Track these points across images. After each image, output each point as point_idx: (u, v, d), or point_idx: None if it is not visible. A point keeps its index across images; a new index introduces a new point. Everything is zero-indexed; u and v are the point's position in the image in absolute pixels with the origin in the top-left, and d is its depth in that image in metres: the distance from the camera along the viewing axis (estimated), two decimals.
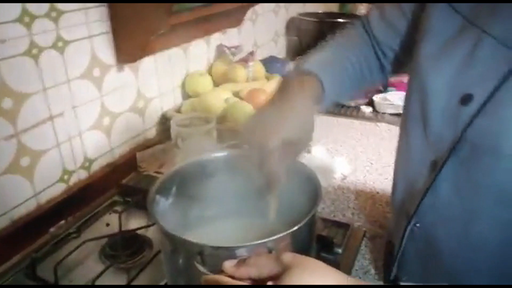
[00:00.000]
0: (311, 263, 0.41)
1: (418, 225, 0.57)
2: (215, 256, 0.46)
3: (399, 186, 0.63)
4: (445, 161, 0.50)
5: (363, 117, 1.29)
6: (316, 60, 0.62)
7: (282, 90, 0.58)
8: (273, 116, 0.54)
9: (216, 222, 0.66)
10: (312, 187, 0.58)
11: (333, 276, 0.40)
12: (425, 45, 0.55)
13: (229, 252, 0.46)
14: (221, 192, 0.66)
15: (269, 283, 0.40)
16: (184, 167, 0.64)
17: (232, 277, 0.43)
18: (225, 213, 0.67)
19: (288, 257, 0.41)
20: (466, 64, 0.49)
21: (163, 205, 0.59)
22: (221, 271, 0.44)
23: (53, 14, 0.80)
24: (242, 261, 0.43)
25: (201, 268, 0.46)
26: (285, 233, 0.47)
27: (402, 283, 0.40)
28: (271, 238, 0.46)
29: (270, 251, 0.46)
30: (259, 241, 0.46)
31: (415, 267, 0.60)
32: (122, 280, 0.70)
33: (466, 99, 0.48)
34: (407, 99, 0.60)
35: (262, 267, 0.42)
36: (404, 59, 0.66)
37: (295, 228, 0.48)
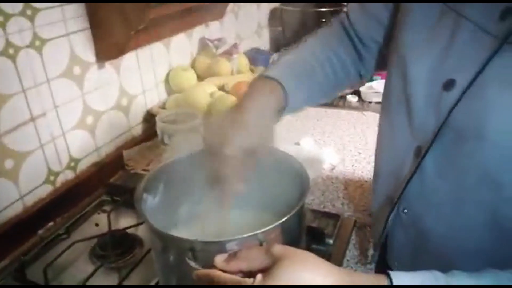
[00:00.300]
0: (301, 254, 0.42)
1: (405, 211, 0.57)
2: (206, 251, 0.46)
3: (382, 171, 0.64)
4: (429, 147, 0.51)
5: (350, 107, 1.29)
6: (282, 67, 0.62)
7: (247, 96, 0.57)
8: (233, 122, 0.54)
9: (205, 217, 0.66)
10: (300, 178, 0.58)
11: (323, 267, 0.41)
12: (406, 33, 0.55)
13: (219, 246, 0.46)
14: (208, 187, 0.66)
15: (259, 275, 0.40)
16: (170, 164, 0.63)
17: (224, 271, 0.43)
18: (213, 208, 0.67)
19: (278, 248, 0.41)
20: (447, 50, 0.49)
21: (151, 203, 0.58)
22: (212, 266, 0.44)
23: (28, 12, 0.78)
24: (233, 255, 0.44)
25: (192, 264, 0.46)
26: (274, 225, 0.47)
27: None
28: (260, 230, 0.46)
29: (261, 244, 0.46)
30: (249, 234, 0.46)
31: (405, 253, 0.60)
32: (113, 280, 0.70)
33: (448, 85, 0.49)
34: (388, 86, 0.60)
35: (252, 260, 0.42)
36: (387, 50, 0.65)
37: (284, 219, 0.48)
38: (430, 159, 0.52)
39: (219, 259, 0.44)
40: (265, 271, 0.41)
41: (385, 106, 0.62)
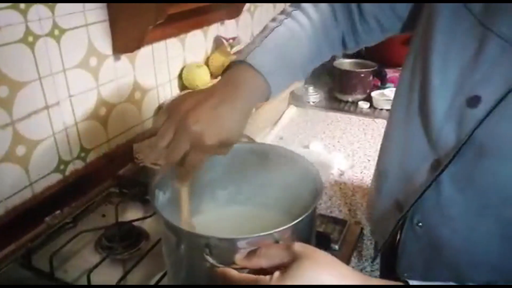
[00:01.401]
0: (321, 254, 0.42)
1: (420, 224, 0.56)
2: (221, 248, 0.46)
3: (390, 177, 0.62)
4: (450, 161, 0.50)
5: (361, 113, 1.29)
6: (267, 56, 0.55)
7: (226, 82, 0.53)
8: (214, 111, 0.49)
9: (212, 213, 0.66)
10: (313, 181, 0.58)
11: (342, 269, 0.41)
12: (433, 42, 0.53)
13: (236, 243, 0.46)
14: (217, 183, 0.66)
15: (276, 272, 0.40)
16: None
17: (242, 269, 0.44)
18: (222, 204, 0.67)
19: (299, 246, 0.41)
20: (473, 64, 0.48)
21: (162, 198, 0.58)
22: (231, 263, 0.44)
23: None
24: (253, 253, 0.44)
25: (210, 260, 0.46)
26: (290, 224, 0.47)
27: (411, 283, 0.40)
28: (277, 230, 0.46)
29: (276, 242, 0.46)
30: (266, 232, 0.46)
31: (416, 263, 0.60)
32: (118, 272, 0.70)
33: (473, 101, 0.48)
34: (401, 93, 0.59)
35: (272, 257, 0.42)
36: (387, 34, 0.63)
37: (299, 219, 0.48)
38: (448, 173, 0.51)
39: (240, 257, 0.44)
40: (284, 267, 0.41)
41: (398, 110, 0.60)
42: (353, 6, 0.61)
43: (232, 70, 0.55)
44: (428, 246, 0.57)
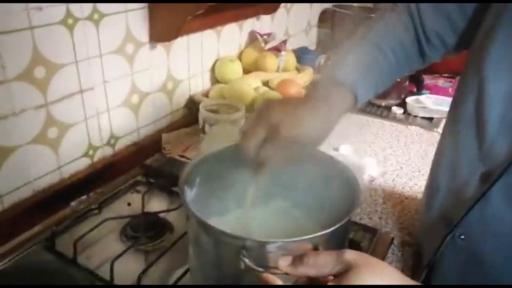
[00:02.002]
0: (377, 263, 0.39)
1: (462, 237, 0.54)
2: (258, 250, 0.44)
3: (441, 191, 0.60)
4: (501, 174, 0.47)
5: (394, 119, 1.24)
6: (350, 66, 0.59)
7: (314, 93, 0.57)
8: (298, 109, 0.53)
9: (243, 214, 0.64)
10: (349, 187, 0.55)
11: (400, 279, 0.38)
12: (490, 47, 0.51)
13: (274, 247, 0.44)
14: (243, 184, 0.65)
15: (330, 282, 0.38)
16: (208, 156, 0.62)
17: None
18: (253, 205, 0.65)
19: (352, 254, 0.39)
20: None
21: (189, 195, 0.57)
22: (271, 268, 0.42)
23: None
24: (298, 260, 0.41)
25: (248, 262, 0.44)
26: (331, 229, 0.45)
27: None
28: (317, 234, 0.44)
29: (315, 248, 0.44)
30: (306, 237, 0.44)
31: (452, 277, 0.58)
32: (141, 263, 0.69)
33: None
34: (458, 101, 0.57)
35: (322, 266, 0.39)
36: (450, 48, 0.63)
37: (338, 225, 0.46)
38: (498, 187, 0.48)
39: (284, 263, 0.41)
40: (335, 276, 0.38)
41: (452, 122, 0.59)
42: (417, 22, 0.62)
43: (318, 83, 0.59)
44: (467, 261, 0.55)
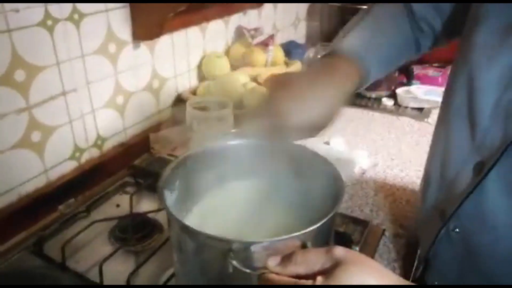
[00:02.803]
0: (365, 259, 0.39)
1: (457, 230, 0.53)
2: (245, 252, 0.43)
3: (432, 184, 0.59)
4: (494, 164, 0.46)
5: (384, 110, 1.24)
6: (358, 41, 0.57)
7: (319, 67, 0.55)
8: (305, 92, 0.51)
9: (228, 214, 0.63)
10: (333, 182, 0.54)
11: (389, 276, 0.38)
12: (478, 34, 0.50)
13: (261, 247, 0.43)
14: (234, 181, 0.64)
15: (319, 277, 0.37)
16: (186, 158, 0.60)
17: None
18: (238, 203, 0.65)
19: (341, 251, 0.38)
20: None
21: (170, 199, 0.56)
22: (260, 268, 0.42)
23: None
24: (287, 258, 0.40)
25: (237, 265, 0.43)
26: (315, 226, 0.44)
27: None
28: (304, 231, 0.43)
29: (304, 245, 0.43)
30: (294, 234, 0.43)
31: (449, 271, 0.57)
32: (130, 264, 0.68)
33: None
34: (449, 91, 0.56)
35: (311, 263, 0.39)
36: (441, 37, 0.63)
37: (323, 221, 0.45)
38: (493, 177, 0.47)
39: (273, 263, 0.41)
40: (324, 273, 0.38)
41: (444, 111, 0.58)
42: (408, 9, 0.62)
43: (325, 58, 0.57)
44: (464, 254, 0.54)
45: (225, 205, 0.62)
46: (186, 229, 0.48)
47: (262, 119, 0.51)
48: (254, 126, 0.53)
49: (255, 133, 0.54)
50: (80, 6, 0.79)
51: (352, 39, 0.57)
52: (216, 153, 0.61)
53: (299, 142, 0.57)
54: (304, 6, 1.69)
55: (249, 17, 1.33)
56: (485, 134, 0.49)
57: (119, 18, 0.88)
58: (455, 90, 0.54)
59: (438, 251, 0.57)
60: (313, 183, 0.58)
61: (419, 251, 0.66)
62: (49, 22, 0.75)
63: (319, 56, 0.60)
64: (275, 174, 0.61)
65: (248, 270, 0.43)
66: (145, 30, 0.91)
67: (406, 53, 0.64)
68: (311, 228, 0.44)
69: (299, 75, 0.55)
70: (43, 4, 0.73)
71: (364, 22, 0.60)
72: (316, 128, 0.52)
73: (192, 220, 0.60)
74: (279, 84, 0.53)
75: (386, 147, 1.04)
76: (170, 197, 0.55)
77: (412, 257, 0.70)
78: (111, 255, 0.66)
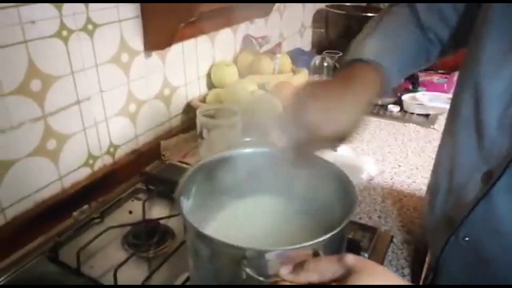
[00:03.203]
0: (377, 267, 0.40)
1: (467, 238, 0.54)
2: (258, 260, 0.44)
3: (442, 191, 0.60)
4: (502, 172, 0.47)
5: (391, 117, 1.25)
6: (376, 48, 0.58)
7: (343, 77, 0.55)
8: (334, 103, 0.51)
9: (238, 222, 0.65)
10: (344, 190, 0.56)
11: (400, 282, 0.39)
12: (485, 45, 0.51)
13: (275, 255, 0.44)
14: (243, 189, 0.65)
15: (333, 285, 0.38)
16: (203, 165, 0.62)
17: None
18: (247, 212, 0.66)
19: (352, 259, 0.39)
20: None
21: (186, 205, 0.57)
22: (272, 276, 0.42)
23: None
24: (299, 266, 0.41)
25: (250, 272, 0.44)
26: (330, 234, 0.46)
27: None
28: (317, 240, 0.45)
29: (316, 253, 0.44)
30: (306, 243, 0.44)
31: (459, 279, 0.58)
32: (143, 270, 0.70)
33: None
34: (456, 101, 0.57)
35: (323, 272, 0.40)
36: (449, 48, 0.64)
37: (337, 230, 0.46)
38: (501, 186, 0.48)
39: (285, 271, 0.41)
40: (337, 281, 0.39)
41: (450, 121, 0.59)
42: (416, 19, 0.62)
43: (346, 68, 0.57)
44: (474, 262, 0.54)
45: (240, 213, 0.63)
46: (201, 235, 0.49)
47: (291, 131, 0.52)
48: (283, 138, 0.53)
49: (281, 145, 0.55)
50: (94, 17, 0.81)
51: (371, 47, 0.58)
52: (232, 162, 0.63)
53: None
54: (309, 13, 1.71)
55: (256, 26, 1.35)
56: (492, 144, 0.50)
57: (131, 28, 0.90)
58: (462, 101, 0.55)
59: (448, 259, 0.58)
60: (326, 192, 0.59)
61: (427, 259, 0.67)
62: (64, 33, 0.77)
63: (337, 65, 0.61)
64: (288, 182, 0.62)
65: (261, 278, 0.44)
66: (156, 40, 0.93)
67: (419, 61, 0.65)
68: (323, 238, 0.45)
69: (324, 86, 0.55)
70: (59, 15, 0.75)
71: (378, 31, 0.61)
72: (343, 138, 0.53)
73: (207, 227, 0.62)
74: (305, 96, 0.53)
75: (393, 153, 1.05)
76: (187, 204, 0.57)
77: (420, 264, 0.71)
78: (125, 261, 0.68)
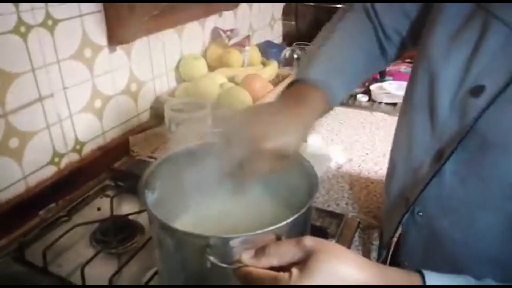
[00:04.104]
0: (334, 247, 0.41)
1: (421, 213, 0.56)
2: (222, 247, 0.45)
3: (398, 173, 0.62)
4: (452, 152, 0.50)
5: (359, 106, 1.27)
6: (322, 67, 0.60)
7: (288, 97, 0.57)
8: (276, 117, 0.53)
9: (206, 210, 0.65)
10: (308, 177, 0.57)
11: (358, 260, 0.40)
12: (435, 32, 0.53)
13: (237, 241, 0.45)
14: (210, 178, 0.65)
15: (294, 269, 0.39)
16: (166, 159, 0.62)
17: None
18: (215, 200, 0.66)
19: (311, 241, 0.40)
20: (477, 52, 0.48)
21: (151, 198, 0.57)
22: (235, 262, 0.43)
23: None
24: (261, 251, 0.42)
25: (214, 260, 0.44)
26: (290, 219, 0.46)
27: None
28: (278, 225, 0.45)
29: (279, 238, 0.45)
30: (268, 229, 0.45)
31: (416, 253, 0.60)
32: (112, 266, 0.69)
33: (477, 91, 0.47)
34: (412, 86, 0.59)
35: (283, 255, 0.41)
36: (409, 42, 0.65)
37: (297, 215, 0.47)
38: (451, 164, 0.50)
39: (247, 256, 0.42)
40: (297, 264, 0.40)
41: (406, 104, 0.61)
42: (375, 21, 0.64)
43: (290, 88, 0.59)
44: (428, 237, 0.57)
45: (206, 203, 0.63)
46: (165, 227, 0.49)
47: (234, 144, 0.52)
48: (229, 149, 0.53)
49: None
50: (54, 12, 0.79)
51: (316, 67, 0.59)
52: (197, 153, 0.63)
53: None
54: (279, 6, 1.71)
55: (224, 19, 1.34)
56: (444, 124, 0.52)
57: (93, 23, 0.88)
58: (416, 84, 0.57)
59: (406, 234, 0.60)
60: (291, 180, 0.60)
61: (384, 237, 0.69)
62: (22, 29, 0.75)
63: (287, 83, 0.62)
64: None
65: (224, 265, 0.44)
66: (120, 34, 0.91)
67: (371, 68, 0.67)
68: (284, 223, 0.46)
69: (269, 108, 0.56)
70: (16, 10, 0.73)
71: (326, 45, 0.62)
72: (285, 156, 0.53)
73: (176, 219, 0.62)
74: (250, 114, 0.55)
75: (361, 142, 1.07)
76: (151, 197, 0.57)
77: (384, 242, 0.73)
78: (92, 258, 0.67)
